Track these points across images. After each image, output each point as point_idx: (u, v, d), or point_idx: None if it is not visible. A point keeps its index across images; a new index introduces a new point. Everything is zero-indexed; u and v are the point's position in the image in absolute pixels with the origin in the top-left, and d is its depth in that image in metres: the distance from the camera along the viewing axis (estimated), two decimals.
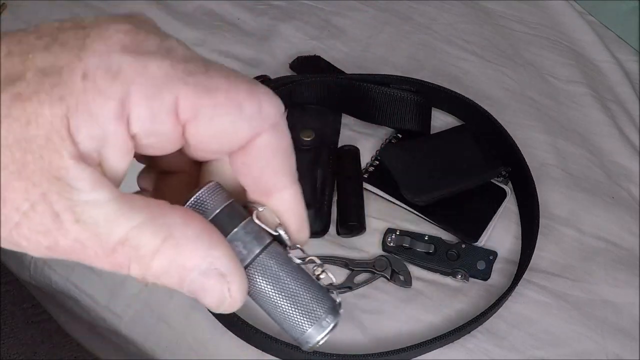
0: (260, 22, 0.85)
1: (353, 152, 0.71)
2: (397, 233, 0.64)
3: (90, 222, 0.20)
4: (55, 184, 0.20)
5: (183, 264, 0.22)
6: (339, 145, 0.72)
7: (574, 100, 0.79)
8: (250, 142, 0.24)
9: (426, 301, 0.62)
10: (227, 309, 0.24)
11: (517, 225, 0.67)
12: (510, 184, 0.70)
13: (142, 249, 0.21)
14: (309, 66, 0.79)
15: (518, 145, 0.69)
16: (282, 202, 0.26)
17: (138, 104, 0.21)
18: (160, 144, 0.23)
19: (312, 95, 0.73)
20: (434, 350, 0.59)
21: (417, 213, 0.67)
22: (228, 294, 0.23)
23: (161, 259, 0.22)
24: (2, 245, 0.21)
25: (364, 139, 0.72)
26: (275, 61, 0.81)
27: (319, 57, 0.80)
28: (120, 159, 0.22)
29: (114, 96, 0.20)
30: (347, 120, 0.74)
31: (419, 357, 0.58)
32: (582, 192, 0.70)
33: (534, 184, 0.66)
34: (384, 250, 0.64)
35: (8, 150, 0.19)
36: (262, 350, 0.58)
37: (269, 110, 0.23)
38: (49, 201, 0.20)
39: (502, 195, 0.68)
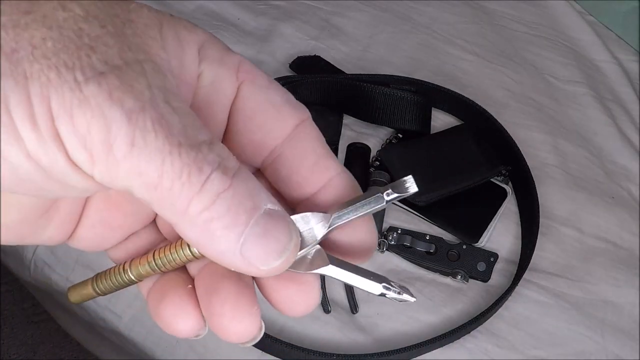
0: (260, 22, 0.85)
1: (363, 151, 0.71)
2: (399, 231, 0.64)
3: None
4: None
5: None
6: (349, 142, 0.72)
7: (574, 100, 0.79)
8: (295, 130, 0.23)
9: (426, 301, 0.62)
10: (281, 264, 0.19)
11: (517, 225, 0.67)
12: (510, 183, 0.70)
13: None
14: (309, 66, 0.79)
15: (518, 145, 0.69)
16: (335, 188, 0.23)
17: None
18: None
19: (313, 95, 0.73)
20: (434, 350, 0.59)
21: (417, 213, 0.67)
22: (293, 242, 0.19)
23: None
24: None
25: (364, 139, 0.72)
26: (275, 61, 0.81)
27: (319, 57, 0.80)
28: None
29: None
30: (347, 120, 0.74)
31: (419, 357, 0.58)
32: (582, 192, 0.70)
33: (534, 184, 0.66)
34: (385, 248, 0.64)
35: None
36: (262, 350, 0.58)
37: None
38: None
39: (503, 195, 0.68)
